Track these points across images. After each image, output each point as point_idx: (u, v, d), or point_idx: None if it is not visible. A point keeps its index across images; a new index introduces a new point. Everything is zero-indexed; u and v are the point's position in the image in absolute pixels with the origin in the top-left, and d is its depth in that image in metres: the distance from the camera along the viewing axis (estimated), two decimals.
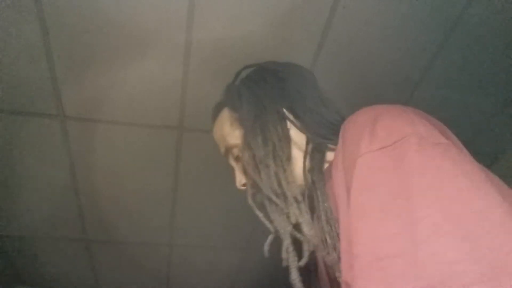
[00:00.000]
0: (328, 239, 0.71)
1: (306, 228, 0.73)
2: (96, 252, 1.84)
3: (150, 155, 1.47)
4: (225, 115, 0.93)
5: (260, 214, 0.79)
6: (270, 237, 0.79)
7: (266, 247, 0.81)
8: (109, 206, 1.63)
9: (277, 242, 0.79)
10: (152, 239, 1.81)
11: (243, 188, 0.91)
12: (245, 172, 0.85)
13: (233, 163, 0.95)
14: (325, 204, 0.73)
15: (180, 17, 1.13)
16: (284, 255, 0.74)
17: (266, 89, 0.88)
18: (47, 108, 1.30)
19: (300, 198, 0.75)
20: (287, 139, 0.81)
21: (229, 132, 0.90)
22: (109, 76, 1.24)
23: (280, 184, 0.76)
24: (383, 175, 0.56)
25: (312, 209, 0.76)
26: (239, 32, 1.17)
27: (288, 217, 0.75)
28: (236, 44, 1.19)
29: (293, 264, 0.73)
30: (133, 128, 1.38)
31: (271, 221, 0.77)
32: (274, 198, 0.76)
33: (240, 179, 0.92)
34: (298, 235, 0.74)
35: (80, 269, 1.93)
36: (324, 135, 0.80)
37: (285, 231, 0.75)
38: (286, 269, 0.77)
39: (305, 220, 0.74)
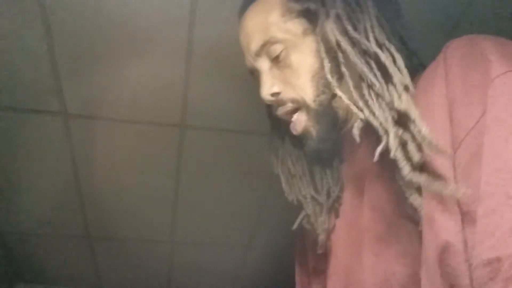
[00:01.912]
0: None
1: (417, 118, 0.56)
2: (97, 250, 1.85)
3: (152, 152, 1.47)
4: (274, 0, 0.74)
5: (347, 99, 0.62)
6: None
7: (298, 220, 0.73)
8: (111, 203, 1.63)
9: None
10: (154, 236, 1.81)
11: (271, 98, 0.73)
12: (290, 75, 0.68)
13: (265, 64, 0.75)
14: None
15: (182, 16, 1.13)
16: (393, 146, 0.57)
17: None
18: (50, 106, 1.30)
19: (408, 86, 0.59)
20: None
21: (279, 22, 0.71)
22: (111, 73, 1.24)
23: (382, 67, 0.60)
24: None
25: None
26: None
27: (388, 105, 0.58)
28: (237, 42, 1.19)
29: (404, 161, 0.56)
30: (135, 125, 1.38)
31: (361, 110, 0.60)
32: (372, 78, 0.60)
33: (271, 85, 0.73)
34: (398, 129, 0.57)
35: (81, 266, 1.93)
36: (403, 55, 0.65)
37: (387, 120, 0.58)
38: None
39: (413, 109, 0.57)
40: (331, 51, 0.66)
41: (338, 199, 0.78)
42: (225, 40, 1.18)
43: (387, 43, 0.63)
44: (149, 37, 1.16)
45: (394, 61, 0.61)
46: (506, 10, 1.19)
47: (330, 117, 0.69)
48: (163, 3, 1.10)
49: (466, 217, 0.50)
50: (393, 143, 0.57)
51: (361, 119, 0.61)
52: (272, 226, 1.75)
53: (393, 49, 0.63)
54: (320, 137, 0.70)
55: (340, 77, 0.66)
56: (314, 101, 0.69)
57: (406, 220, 0.61)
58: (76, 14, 1.10)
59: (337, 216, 0.79)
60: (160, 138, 1.43)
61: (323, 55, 0.67)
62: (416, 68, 0.71)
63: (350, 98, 0.63)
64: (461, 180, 0.52)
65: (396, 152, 0.56)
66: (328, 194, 0.78)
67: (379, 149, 0.58)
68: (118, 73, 1.24)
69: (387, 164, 0.59)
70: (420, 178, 0.55)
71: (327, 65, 0.66)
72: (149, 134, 1.41)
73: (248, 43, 0.77)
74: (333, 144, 0.71)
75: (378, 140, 0.59)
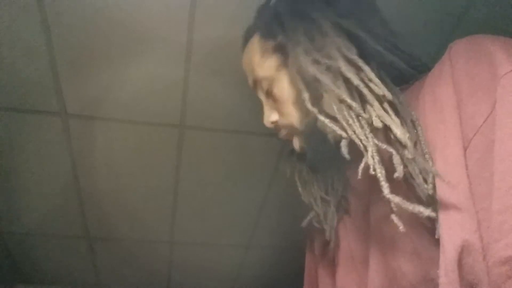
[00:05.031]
0: (422, 143, 0.59)
1: (397, 131, 0.59)
2: (97, 250, 1.85)
3: (151, 153, 1.47)
4: (256, 43, 0.82)
5: (329, 123, 0.65)
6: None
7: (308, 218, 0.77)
8: (111, 203, 1.63)
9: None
10: (153, 236, 1.81)
11: (271, 126, 0.82)
12: (279, 104, 0.74)
13: (262, 97, 0.84)
14: (412, 112, 0.61)
15: (182, 16, 1.13)
16: (370, 162, 0.59)
17: (314, 2, 0.75)
18: (49, 106, 1.30)
19: (385, 98, 0.62)
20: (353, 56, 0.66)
21: (259, 62, 0.80)
22: (111, 74, 1.24)
23: (356, 87, 0.63)
24: None
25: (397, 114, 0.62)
26: (241, 31, 1.17)
27: (368, 122, 0.61)
28: (237, 42, 1.19)
29: (382, 176, 0.58)
30: (134, 126, 1.38)
31: (344, 130, 0.63)
32: (349, 100, 0.62)
33: (269, 115, 0.81)
34: (381, 144, 0.60)
35: (81, 266, 1.93)
36: (395, 59, 0.69)
37: (367, 137, 0.61)
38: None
39: (394, 121, 0.60)
40: (307, 80, 0.70)
41: (345, 199, 0.82)
42: (225, 40, 1.18)
43: (359, 61, 0.65)
44: (149, 37, 1.16)
45: (368, 78, 0.64)
46: (506, 10, 1.19)
47: (319, 135, 0.72)
48: (163, 3, 1.10)
49: (481, 214, 0.50)
50: (370, 161, 0.59)
51: (345, 138, 0.64)
52: (272, 226, 1.75)
53: (362, 63, 0.65)
54: (313, 153, 0.77)
55: (320, 100, 0.69)
56: (301, 124, 0.75)
57: (416, 220, 0.61)
58: (75, 14, 1.10)
59: (345, 215, 0.83)
60: (160, 138, 1.42)
61: (300, 86, 0.71)
62: (420, 70, 0.72)
63: (332, 119, 0.66)
64: (473, 177, 0.52)
65: (375, 171, 0.59)
66: (335, 195, 0.83)
67: (360, 167, 0.61)
68: (118, 73, 1.24)
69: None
70: (394, 199, 0.57)
71: (305, 94, 0.70)
72: (148, 135, 1.41)
73: (247, 79, 0.88)
74: (329, 155, 0.74)
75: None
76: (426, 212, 0.56)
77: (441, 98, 0.59)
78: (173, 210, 1.69)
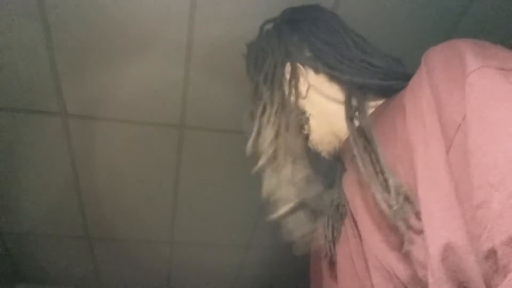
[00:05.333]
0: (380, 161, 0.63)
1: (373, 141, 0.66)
2: (97, 250, 1.85)
3: (151, 153, 1.47)
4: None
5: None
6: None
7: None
8: (111, 204, 1.63)
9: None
10: (153, 236, 1.81)
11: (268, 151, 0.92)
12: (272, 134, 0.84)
13: None
14: (378, 148, 0.65)
15: (182, 16, 1.13)
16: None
17: (283, 43, 0.84)
18: (49, 106, 1.30)
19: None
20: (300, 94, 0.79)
21: (250, 94, 0.91)
22: (111, 74, 1.24)
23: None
24: None
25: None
26: (241, 31, 1.17)
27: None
28: (237, 42, 1.19)
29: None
30: (134, 126, 1.38)
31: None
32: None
33: (265, 141, 0.91)
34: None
35: (81, 266, 1.93)
36: (365, 79, 0.76)
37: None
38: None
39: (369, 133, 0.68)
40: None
41: (342, 207, 0.84)
42: (225, 40, 1.18)
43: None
44: (149, 37, 1.16)
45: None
46: (506, 10, 1.19)
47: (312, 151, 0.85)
48: (163, 3, 1.10)
49: (467, 211, 0.51)
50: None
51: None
52: (272, 226, 1.75)
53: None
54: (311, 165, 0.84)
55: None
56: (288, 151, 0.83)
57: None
58: (75, 15, 1.10)
59: (343, 221, 0.84)
60: (160, 138, 1.42)
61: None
62: (404, 79, 0.75)
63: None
64: (458, 175, 0.53)
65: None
66: (331, 203, 0.86)
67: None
68: (118, 73, 1.24)
69: None
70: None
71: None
72: (148, 135, 1.41)
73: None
74: (326, 167, 0.85)
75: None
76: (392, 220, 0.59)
77: (421, 104, 0.60)
78: (173, 210, 1.69)
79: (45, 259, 1.88)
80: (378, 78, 0.75)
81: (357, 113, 0.73)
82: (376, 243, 0.67)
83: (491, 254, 0.45)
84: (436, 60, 0.61)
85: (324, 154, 0.87)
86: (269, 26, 0.95)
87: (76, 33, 1.14)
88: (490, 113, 0.50)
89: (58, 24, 1.12)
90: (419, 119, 0.60)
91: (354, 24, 0.88)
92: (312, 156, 0.84)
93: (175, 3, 1.10)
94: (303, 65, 0.81)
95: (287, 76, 0.83)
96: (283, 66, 0.83)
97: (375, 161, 0.64)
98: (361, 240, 0.72)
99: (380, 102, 0.77)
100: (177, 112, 1.35)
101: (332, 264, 0.87)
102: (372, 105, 0.75)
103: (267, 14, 1.14)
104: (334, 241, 0.83)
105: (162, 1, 1.09)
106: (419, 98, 0.61)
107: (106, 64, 1.21)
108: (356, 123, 0.72)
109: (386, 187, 0.60)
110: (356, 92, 0.75)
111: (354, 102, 0.74)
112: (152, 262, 1.94)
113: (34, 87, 1.25)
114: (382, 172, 0.62)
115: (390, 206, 0.59)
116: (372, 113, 0.75)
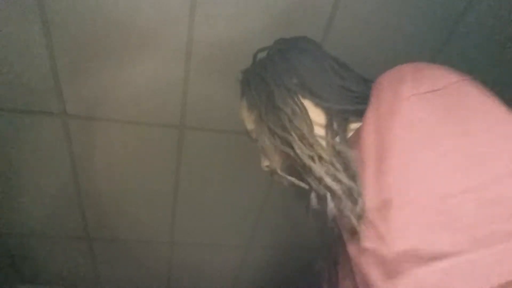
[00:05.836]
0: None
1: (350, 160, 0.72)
2: (97, 250, 1.85)
3: (151, 153, 1.47)
4: (244, 101, 0.96)
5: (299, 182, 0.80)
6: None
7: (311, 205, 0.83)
8: (111, 204, 1.63)
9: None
10: (153, 237, 1.81)
11: (266, 170, 0.94)
12: (264, 154, 0.87)
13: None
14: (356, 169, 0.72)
15: (182, 16, 1.13)
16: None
17: (274, 70, 0.88)
18: (49, 106, 1.30)
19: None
20: (303, 111, 0.81)
21: (246, 117, 0.94)
22: (110, 74, 1.24)
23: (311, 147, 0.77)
24: (440, 115, 0.57)
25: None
26: (241, 31, 1.17)
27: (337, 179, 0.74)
28: (237, 42, 1.19)
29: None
30: (134, 126, 1.38)
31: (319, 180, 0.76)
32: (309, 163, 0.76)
33: (262, 161, 0.93)
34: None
35: (81, 266, 1.93)
36: (344, 104, 0.81)
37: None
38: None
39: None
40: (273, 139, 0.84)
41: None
42: (225, 40, 1.18)
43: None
44: (148, 38, 1.16)
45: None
46: (506, 11, 1.19)
47: (297, 172, 0.87)
48: (163, 3, 1.10)
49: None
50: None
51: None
52: (272, 226, 1.75)
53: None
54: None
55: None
56: (281, 170, 0.87)
57: None
58: (75, 15, 1.10)
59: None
60: (160, 139, 1.42)
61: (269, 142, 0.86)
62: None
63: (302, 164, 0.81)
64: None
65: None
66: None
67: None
68: (118, 73, 1.24)
69: None
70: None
71: (277, 150, 0.84)
72: (148, 135, 1.41)
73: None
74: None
75: None
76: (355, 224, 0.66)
77: (368, 125, 0.71)
78: (173, 210, 1.69)
79: (45, 260, 1.88)
80: (356, 103, 0.81)
81: (337, 137, 0.78)
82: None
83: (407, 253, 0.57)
84: (383, 85, 0.71)
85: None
86: (262, 54, 0.99)
87: (76, 33, 1.14)
88: (410, 140, 0.60)
89: (58, 24, 1.12)
90: (372, 142, 0.69)
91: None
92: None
93: (175, 3, 1.10)
94: (292, 91, 0.85)
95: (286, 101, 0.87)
96: (281, 92, 0.87)
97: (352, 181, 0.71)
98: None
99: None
100: (177, 112, 1.35)
101: (332, 285, 0.89)
102: (354, 127, 0.80)
103: (267, 14, 1.15)
104: (335, 261, 0.86)
105: (162, 1, 1.09)
106: (367, 125, 0.71)
107: (106, 64, 1.21)
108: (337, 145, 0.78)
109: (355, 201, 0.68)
110: (337, 117, 0.81)
111: (335, 126, 0.80)
112: (152, 263, 1.94)
113: (34, 87, 1.25)
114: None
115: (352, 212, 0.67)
116: (352, 135, 0.79)
